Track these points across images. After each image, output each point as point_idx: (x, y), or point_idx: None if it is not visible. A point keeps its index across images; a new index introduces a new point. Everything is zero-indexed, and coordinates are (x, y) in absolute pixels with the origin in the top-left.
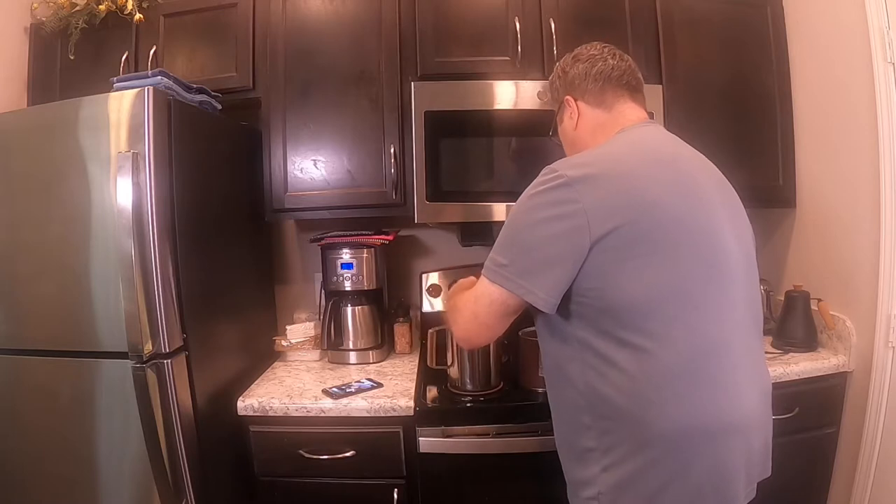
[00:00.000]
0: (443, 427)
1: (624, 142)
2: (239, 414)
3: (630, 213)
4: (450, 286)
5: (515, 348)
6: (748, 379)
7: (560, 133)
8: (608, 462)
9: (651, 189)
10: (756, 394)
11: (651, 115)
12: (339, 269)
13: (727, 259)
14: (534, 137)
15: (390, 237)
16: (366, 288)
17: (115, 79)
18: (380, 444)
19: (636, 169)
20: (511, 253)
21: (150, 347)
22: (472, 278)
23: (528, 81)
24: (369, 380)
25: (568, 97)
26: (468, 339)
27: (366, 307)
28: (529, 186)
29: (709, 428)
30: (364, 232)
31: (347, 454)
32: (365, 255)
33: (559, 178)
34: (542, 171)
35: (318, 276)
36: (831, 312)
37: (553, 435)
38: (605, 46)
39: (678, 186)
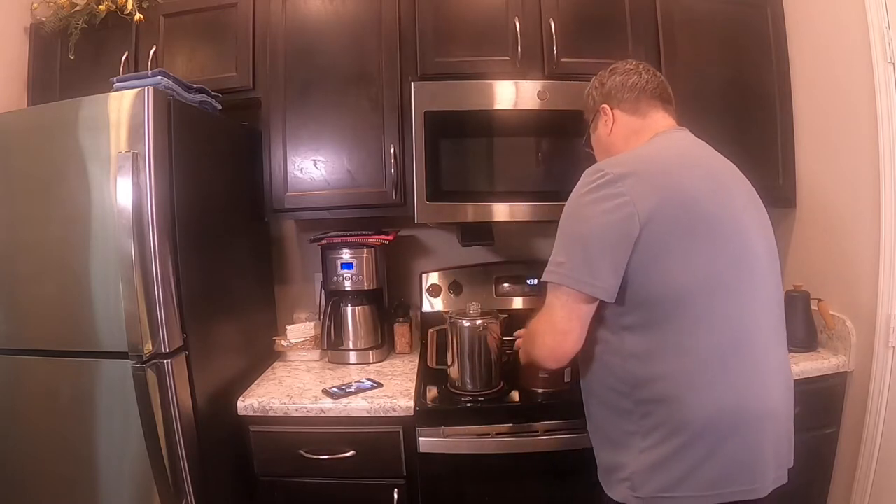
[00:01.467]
0: (443, 427)
1: (659, 145)
2: (239, 414)
3: (671, 206)
4: (450, 287)
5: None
6: (775, 370)
7: (593, 140)
8: (646, 444)
9: (687, 185)
10: (782, 384)
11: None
12: (339, 269)
13: (755, 256)
14: (534, 137)
15: (390, 237)
16: (366, 288)
17: (115, 79)
18: (380, 444)
19: (672, 167)
20: (567, 251)
21: (150, 347)
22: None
23: (528, 81)
24: (369, 380)
25: (604, 105)
26: (553, 353)
27: (366, 307)
28: (576, 188)
29: (742, 413)
30: (364, 232)
31: (347, 454)
32: (365, 255)
33: (605, 174)
34: (586, 173)
35: (318, 276)
36: (831, 312)
37: (552, 435)
38: (639, 63)
39: (709, 184)
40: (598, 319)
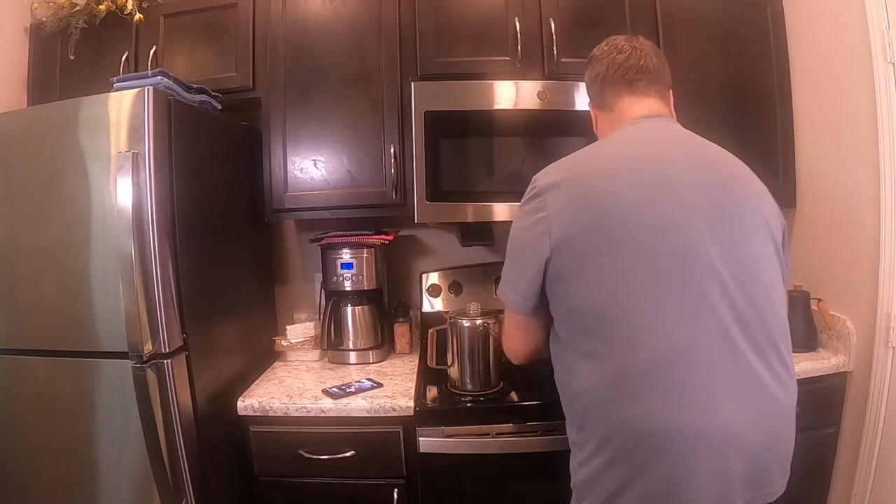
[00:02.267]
0: (443, 427)
1: (606, 142)
2: (239, 414)
3: (588, 218)
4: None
5: None
6: (732, 392)
7: None
8: (582, 457)
9: (615, 190)
10: (748, 410)
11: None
12: (339, 269)
13: (703, 262)
14: (534, 137)
15: (390, 237)
16: (366, 288)
17: (115, 79)
18: (380, 444)
19: (604, 170)
20: (505, 265)
21: (150, 347)
22: None
23: (528, 81)
24: (369, 380)
25: (590, 102)
26: (508, 351)
27: (366, 307)
28: None
29: (666, 435)
30: (364, 232)
31: (347, 454)
32: (365, 255)
33: (533, 188)
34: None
35: (318, 276)
36: (831, 312)
37: (552, 435)
38: (613, 41)
39: (651, 186)
40: (553, 331)
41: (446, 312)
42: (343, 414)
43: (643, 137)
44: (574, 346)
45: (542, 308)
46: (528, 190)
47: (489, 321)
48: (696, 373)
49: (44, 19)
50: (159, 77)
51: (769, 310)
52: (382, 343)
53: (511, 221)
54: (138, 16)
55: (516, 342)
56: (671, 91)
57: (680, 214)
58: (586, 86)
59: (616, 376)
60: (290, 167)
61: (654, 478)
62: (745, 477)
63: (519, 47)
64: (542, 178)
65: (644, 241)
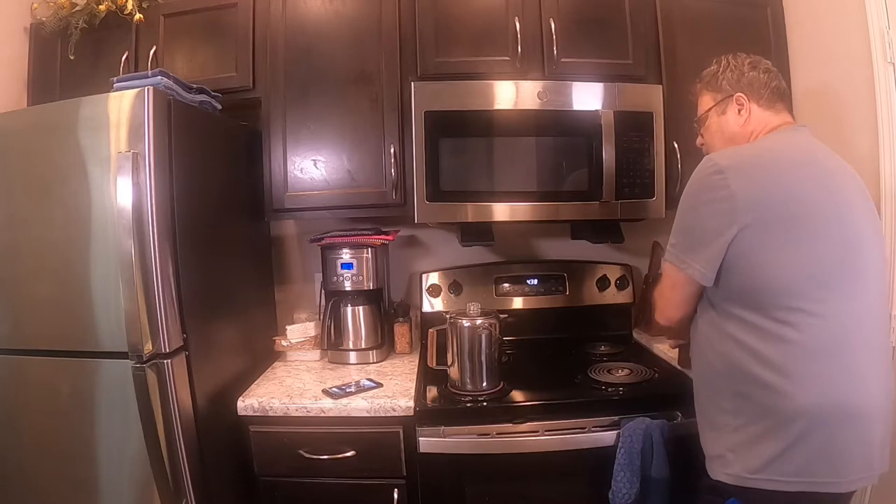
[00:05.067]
0: (443, 427)
1: (777, 140)
2: (239, 414)
3: (774, 201)
4: (450, 287)
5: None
6: (873, 370)
7: (713, 123)
8: (738, 423)
9: (793, 181)
10: (880, 386)
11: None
12: (339, 269)
13: (863, 251)
14: (534, 137)
15: (390, 237)
16: (366, 288)
17: (115, 79)
18: (380, 444)
19: (782, 163)
20: (677, 234)
21: (150, 347)
22: None
23: (528, 81)
24: (369, 380)
25: (741, 95)
26: (661, 312)
27: (366, 307)
28: (692, 175)
29: (834, 409)
30: (364, 232)
31: (347, 454)
32: (365, 255)
33: (713, 166)
34: (702, 161)
35: (318, 276)
36: None
37: (552, 435)
38: (770, 64)
39: (819, 181)
40: (707, 303)
41: (446, 312)
42: (343, 414)
43: (803, 139)
44: (746, 319)
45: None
46: (702, 168)
47: (489, 321)
48: (860, 354)
49: (44, 19)
50: (159, 77)
51: (887, 301)
52: (382, 343)
53: (511, 221)
54: (138, 16)
55: (671, 304)
56: None
57: (847, 209)
58: (752, 82)
59: (796, 351)
60: (290, 167)
61: (813, 448)
62: (878, 446)
63: (519, 47)
64: (722, 158)
65: (823, 229)
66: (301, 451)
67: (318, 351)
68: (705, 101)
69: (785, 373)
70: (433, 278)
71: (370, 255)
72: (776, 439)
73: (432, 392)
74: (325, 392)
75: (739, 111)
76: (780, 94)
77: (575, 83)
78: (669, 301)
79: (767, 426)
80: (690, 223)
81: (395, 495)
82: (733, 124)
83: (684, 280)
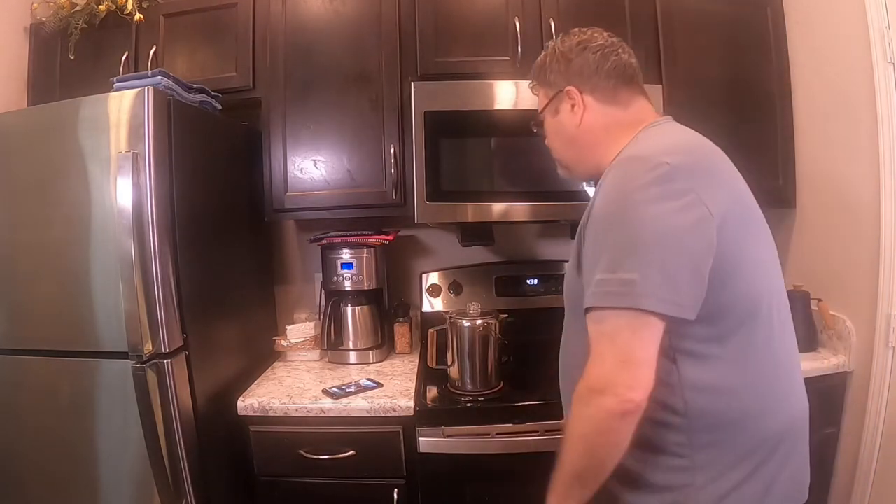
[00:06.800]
0: (443, 427)
1: (674, 134)
2: (239, 414)
3: (729, 202)
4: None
5: None
6: (800, 377)
7: (550, 125)
8: (709, 476)
9: (730, 179)
10: (804, 395)
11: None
12: (339, 269)
13: (774, 252)
14: (534, 137)
15: (390, 237)
16: (366, 288)
17: (115, 79)
18: (380, 444)
19: (714, 160)
20: (638, 263)
21: (150, 347)
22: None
23: (528, 81)
24: (369, 380)
25: (570, 88)
26: (632, 388)
27: (366, 307)
28: (619, 182)
29: (793, 427)
30: (364, 232)
31: (347, 454)
32: (365, 255)
33: (662, 165)
34: (626, 162)
35: (318, 276)
36: (831, 312)
37: (552, 435)
38: (611, 36)
39: (736, 178)
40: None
41: (446, 312)
42: (343, 414)
43: (688, 132)
44: (713, 346)
45: None
46: (646, 168)
47: (489, 321)
48: (796, 363)
49: (44, 19)
50: (159, 77)
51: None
52: (382, 343)
53: (511, 221)
54: (138, 16)
55: (645, 371)
56: None
57: (755, 204)
58: (581, 69)
59: (768, 370)
60: (290, 167)
61: (793, 469)
62: (807, 460)
63: (519, 47)
64: (667, 155)
65: (764, 233)
66: (301, 451)
67: (318, 351)
68: (540, 100)
69: (764, 397)
70: (433, 278)
71: (370, 255)
72: (763, 474)
73: (432, 392)
74: (325, 392)
75: (573, 108)
76: (623, 77)
77: None
78: (641, 367)
79: (751, 465)
80: (657, 245)
81: (395, 495)
82: (570, 125)
83: (660, 326)
